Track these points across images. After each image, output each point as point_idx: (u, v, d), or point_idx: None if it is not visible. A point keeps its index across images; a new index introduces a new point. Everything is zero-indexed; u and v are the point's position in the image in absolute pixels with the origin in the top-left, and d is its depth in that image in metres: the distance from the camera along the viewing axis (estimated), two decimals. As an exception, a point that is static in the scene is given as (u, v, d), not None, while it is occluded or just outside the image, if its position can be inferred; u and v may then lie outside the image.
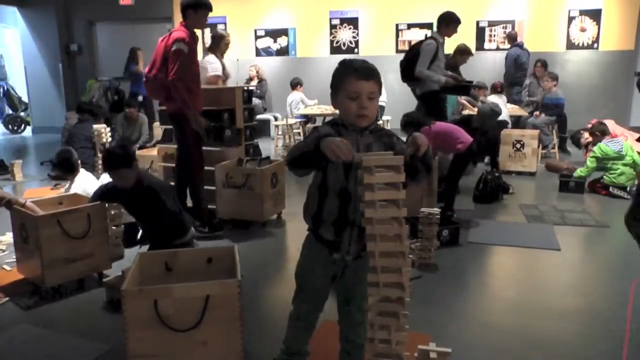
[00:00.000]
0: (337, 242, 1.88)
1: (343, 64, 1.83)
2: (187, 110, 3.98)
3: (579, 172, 5.50)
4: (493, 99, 7.07)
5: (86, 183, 4.10)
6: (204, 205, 4.21)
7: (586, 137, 6.81)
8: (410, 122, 4.46)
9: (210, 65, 5.34)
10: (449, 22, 5.34)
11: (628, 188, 5.20)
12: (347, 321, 2.02)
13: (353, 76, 1.76)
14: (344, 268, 1.93)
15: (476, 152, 4.53)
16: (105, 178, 4.28)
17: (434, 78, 5.23)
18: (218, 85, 5.04)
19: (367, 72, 1.77)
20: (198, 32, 4.17)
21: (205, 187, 4.74)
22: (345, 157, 1.58)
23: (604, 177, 5.33)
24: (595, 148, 5.46)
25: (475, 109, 7.27)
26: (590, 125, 6.94)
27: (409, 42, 9.39)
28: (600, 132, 5.74)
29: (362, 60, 1.82)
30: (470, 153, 4.41)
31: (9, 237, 3.96)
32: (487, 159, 6.50)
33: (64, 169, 4.39)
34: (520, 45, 8.23)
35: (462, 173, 4.62)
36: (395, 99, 8.05)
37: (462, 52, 6.43)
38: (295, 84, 8.62)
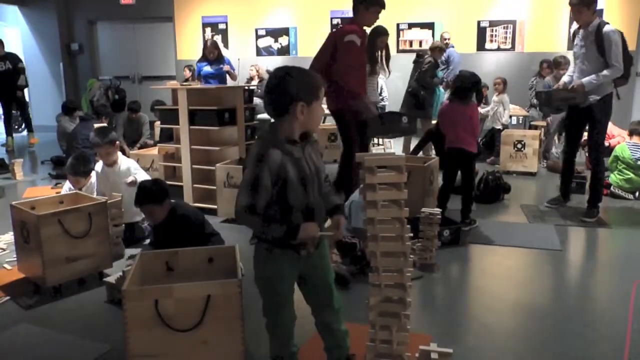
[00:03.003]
0: (302, 243, 1.88)
1: (311, 75, 1.91)
2: (357, 101, 3.98)
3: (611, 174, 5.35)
4: (498, 98, 7.09)
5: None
6: None
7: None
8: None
9: None
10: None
11: (637, 194, 5.12)
12: (325, 308, 2.05)
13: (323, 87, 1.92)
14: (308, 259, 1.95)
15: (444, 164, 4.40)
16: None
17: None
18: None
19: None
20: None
21: (206, 186, 4.74)
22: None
23: (611, 176, 5.30)
24: (617, 147, 5.41)
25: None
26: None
27: (410, 42, 9.41)
28: (630, 131, 5.49)
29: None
30: (443, 158, 4.37)
31: (9, 236, 3.96)
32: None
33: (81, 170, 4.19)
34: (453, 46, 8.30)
35: (447, 176, 4.29)
36: (398, 99, 8.02)
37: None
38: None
